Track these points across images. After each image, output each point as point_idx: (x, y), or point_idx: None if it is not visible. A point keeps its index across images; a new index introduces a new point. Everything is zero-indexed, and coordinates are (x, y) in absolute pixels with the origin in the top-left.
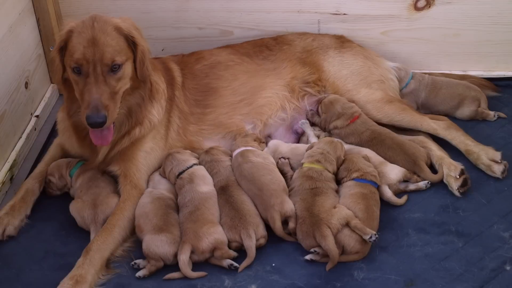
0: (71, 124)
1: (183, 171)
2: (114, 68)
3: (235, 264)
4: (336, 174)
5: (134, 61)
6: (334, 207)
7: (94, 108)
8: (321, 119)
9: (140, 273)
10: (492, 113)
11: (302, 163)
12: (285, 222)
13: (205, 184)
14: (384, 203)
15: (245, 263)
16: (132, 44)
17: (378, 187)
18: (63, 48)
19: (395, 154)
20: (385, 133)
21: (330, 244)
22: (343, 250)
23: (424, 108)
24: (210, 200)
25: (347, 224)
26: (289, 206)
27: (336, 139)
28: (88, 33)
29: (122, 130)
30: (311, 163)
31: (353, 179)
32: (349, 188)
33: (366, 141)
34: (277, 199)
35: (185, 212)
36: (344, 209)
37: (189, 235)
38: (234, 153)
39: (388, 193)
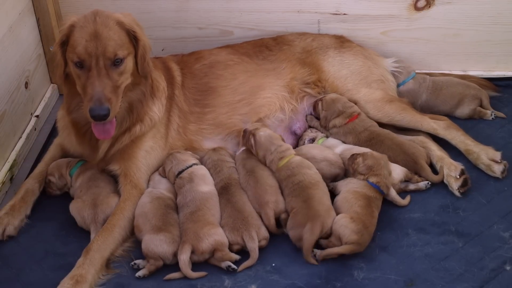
0: (71, 121)
1: (183, 170)
2: (117, 62)
3: (233, 266)
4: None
5: (135, 57)
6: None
7: (97, 100)
8: (322, 117)
9: (140, 273)
10: (489, 112)
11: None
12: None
13: (206, 184)
14: (385, 203)
15: (246, 263)
16: (133, 39)
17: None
18: (65, 43)
19: (395, 155)
20: (384, 134)
21: (308, 243)
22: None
23: (425, 109)
24: (211, 200)
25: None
26: (283, 206)
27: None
28: (90, 27)
29: (123, 126)
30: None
31: (367, 180)
32: (357, 184)
33: (364, 141)
34: (272, 197)
35: (186, 212)
36: (341, 219)
37: (190, 235)
38: None
39: (392, 193)
